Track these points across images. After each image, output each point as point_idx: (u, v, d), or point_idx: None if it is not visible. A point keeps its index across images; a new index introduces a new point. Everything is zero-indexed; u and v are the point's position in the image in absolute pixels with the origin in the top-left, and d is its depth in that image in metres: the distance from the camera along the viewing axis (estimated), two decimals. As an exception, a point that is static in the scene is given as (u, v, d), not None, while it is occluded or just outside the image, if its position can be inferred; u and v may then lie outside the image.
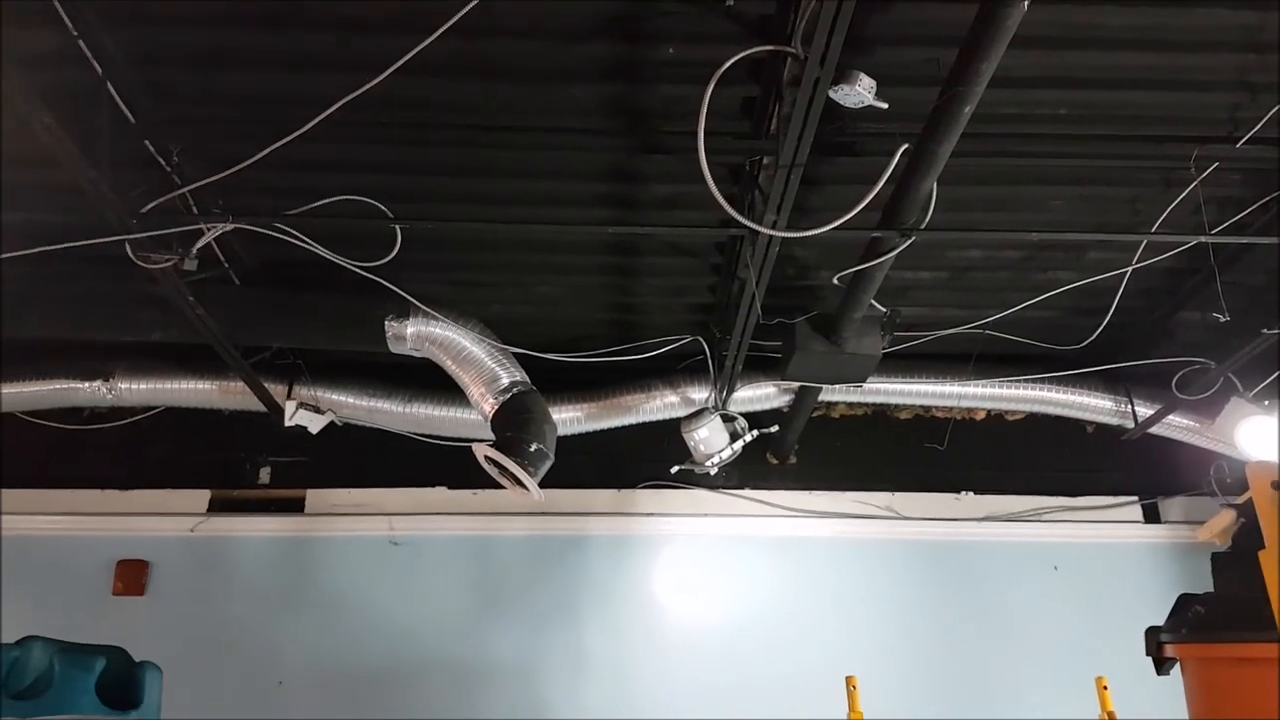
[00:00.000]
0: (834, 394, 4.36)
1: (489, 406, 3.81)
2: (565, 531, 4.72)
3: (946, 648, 4.63)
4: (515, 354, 3.91)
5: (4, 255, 3.19)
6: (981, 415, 5.01)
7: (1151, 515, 4.93)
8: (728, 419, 4.11)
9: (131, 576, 4.50)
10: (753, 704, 4.44)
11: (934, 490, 4.90)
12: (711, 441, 4.04)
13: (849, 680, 3.47)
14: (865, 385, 4.20)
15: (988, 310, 3.94)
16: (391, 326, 3.70)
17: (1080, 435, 4.95)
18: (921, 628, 4.67)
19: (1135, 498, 4.94)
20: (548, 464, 3.66)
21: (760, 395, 4.32)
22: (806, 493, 4.86)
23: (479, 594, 4.65)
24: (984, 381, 4.37)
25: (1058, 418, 4.62)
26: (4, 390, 4.22)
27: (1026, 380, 4.40)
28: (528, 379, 3.92)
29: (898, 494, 4.89)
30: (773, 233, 2.89)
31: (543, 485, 3.61)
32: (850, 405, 4.91)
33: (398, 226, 3.17)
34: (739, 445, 4.10)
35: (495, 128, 2.96)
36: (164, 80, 2.81)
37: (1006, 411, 4.93)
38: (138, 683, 2.67)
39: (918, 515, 4.86)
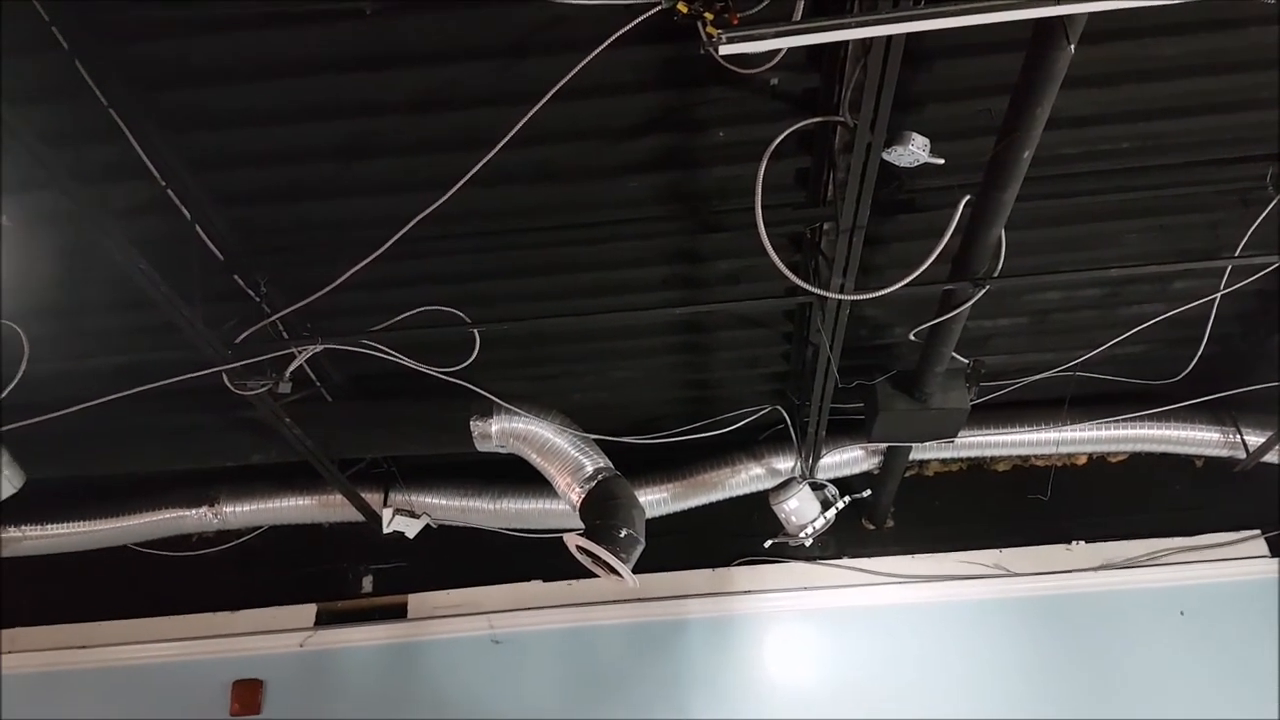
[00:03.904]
0: (925, 451, 4.25)
1: (576, 495, 3.83)
2: (664, 617, 4.65)
3: (1070, 705, 4.37)
4: (597, 441, 3.94)
5: (111, 397, 3.37)
6: (1083, 460, 4.81)
7: (1277, 547, 4.62)
8: (817, 487, 4.04)
9: (247, 696, 4.59)
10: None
11: (1042, 543, 4.67)
12: (803, 512, 3.97)
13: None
14: (957, 440, 4.08)
15: (1075, 351, 3.83)
16: (477, 426, 3.78)
17: (1189, 471, 4.71)
18: (1042, 687, 4.41)
19: (1258, 531, 4.64)
20: (639, 549, 3.64)
21: (848, 460, 4.24)
22: (908, 557, 4.70)
23: (584, 686, 4.59)
24: (1081, 425, 4.22)
25: (1163, 455, 4.41)
26: (117, 523, 4.42)
27: (1126, 419, 4.22)
28: (611, 465, 3.93)
29: (1005, 550, 4.68)
30: (841, 296, 2.89)
31: (636, 570, 3.59)
32: (944, 462, 4.77)
33: (475, 331, 3.27)
34: (832, 513, 4.02)
35: (559, 226, 3.06)
36: (246, 216, 2.99)
37: (1109, 454, 4.72)
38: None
39: (1028, 570, 4.65)
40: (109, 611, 4.80)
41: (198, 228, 2.85)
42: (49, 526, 4.43)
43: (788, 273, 2.68)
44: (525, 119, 2.32)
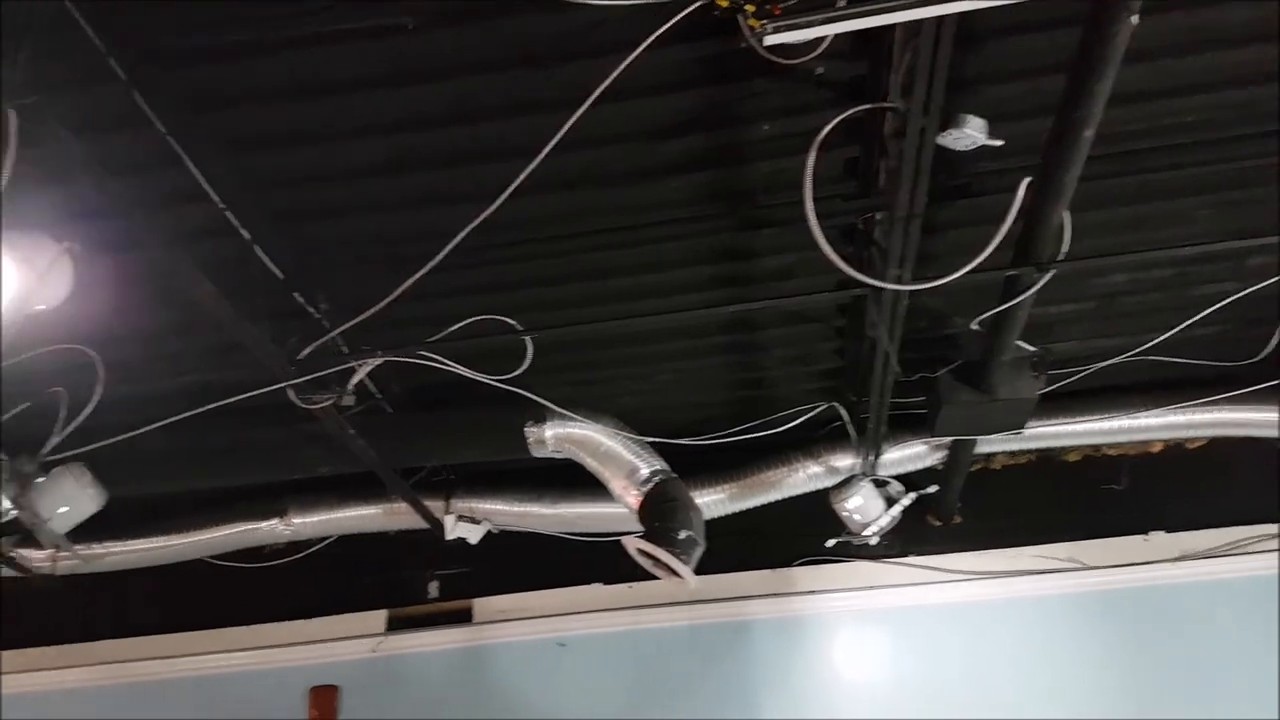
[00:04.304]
0: (992, 444, 4.13)
1: (633, 499, 3.83)
2: (726, 618, 4.62)
3: (1151, 702, 4.23)
4: (651, 444, 3.93)
5: (182, 415, 3.47)
6: (1158, 447, 4.63)
7: (1366, 532, 4.39)
8: (880, 484, 3.96)
9: (324, 702, 4.71)
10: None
11: (1118, 534, 4.52)
12: (866, 510, 3.90)
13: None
14: (1025, 431, 3.97)
15: (1146, 335, 3.68)
16: (531, 432, 3.81)
17: (1271, 454, 4.50)
18: (1120, 684, 4.28)
19: (1347, 512, 4.42)
20: (699, 550, 3.62)
21: (911, 455, 4.14)
22: (977, 553, 4.59)
23: (649, 688, 4.59)
24: (1156, 410, 4.06)
25: (1243, 439, 4.21)
26: (192, 537, 4.55)
27: (1203, 403, 4.04)
28: (667, 467, 3.92)
29: (1078, 543, 4.54)
30: (899, 287, 2.83)
31: (696, 572, 3.57)
32: (1011, 454, 4.63)
33: (528, 338, 3.29)
34: (897, 510, 3.94)
35: (605, 230, 3.06)
36: (302, 234, 3.05)
37: (1186, 440, 4.54)
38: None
39: (1103, 563, 4.50)
40: (189, 623, 4.96)
41: (257, 248, 2.91)
42: (129, 542, 4.58)
43: (842, 265, 2.63)
44: (570, 122, 2.32)
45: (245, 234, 2.81)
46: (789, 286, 3.37)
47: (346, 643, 4.82)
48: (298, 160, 2.77)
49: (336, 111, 2.58)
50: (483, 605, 4.83)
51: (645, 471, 3.82)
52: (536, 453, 3.88)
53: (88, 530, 3.98)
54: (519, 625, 4.75)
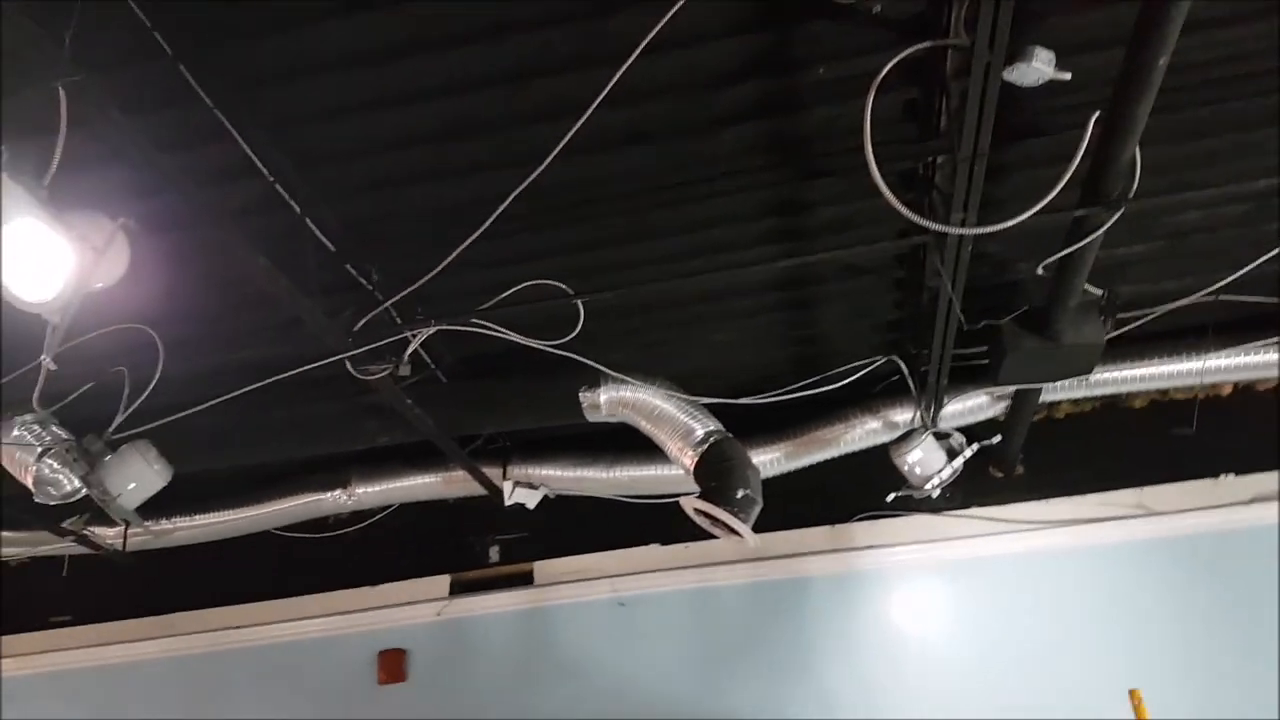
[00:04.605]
0: (1055, 392, 4.02)
1: (689, 460, 3.81)
2: (786, 575, 4.62)
3: (1223, 648, 4.14)
4: (706, 405, 3.90)
5: (242, 390, 3.52)
6: (1228, 390, 4.48)
7: None
8: (941, 437, 3.89)
9: (393, 665, 4.83)
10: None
11: (1187, 478, 4.41)
12: (927, 463, 3.83)
13: (1133, 694, 3.14)
14: (1091, 377, 3.86)
15: (1218, 274, 3.53)
16: (585, 397, 3.79)
17: (1347, 394, 4.34)
18: (1191, 630, 4.20)
19: None
20: (757, 509, 3.60)
21: (972, 406, 4.05)
22: (1041, 502, 4.50)
23: (710, 646, 4.62)
24: (1226, 352, 3.91)
25: (1318, 378, 4.08)
26: (259, 510, 4.65)
27: (1275, 343, 3.90)
28: (722, 427, 3.88)
29: (1146, 488, 4.44)
30: (964, 231, 2.73)
31: (756, 530, 3.55)
32: (1076, 402, 4.51)
33: (579, 302, 3.25)
34: (959, 463, 3.87)
35: (657, 188, 3.00)
36: (352, 206, 3.03)
37: (1256, 381, 4.39)
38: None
39: (1172, 509, 4.39)
40: (260, 594, 5.09)
41: (308, 221, 2.91)
42: (198, 517, 4.70)
43: (905, 210, 2.54)
44: (616, 76, 2.27)
45: (296, 207, 2.80)
46: (846, 238, 3.28)
47: (412, 607, 4.92)
48: (344, 132, 2.74)
49: (380, 81, 2.55)
50: (543, 568, 4.89)
51: (700, 432, 3.78)
52: (591, 417, 3.87)
53: (156, 506, 4.09)
54: (578, 586, 4.80)
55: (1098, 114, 2.38)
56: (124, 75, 2.14)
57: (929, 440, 3.86)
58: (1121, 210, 2.65)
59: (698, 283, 3.51)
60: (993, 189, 2.95)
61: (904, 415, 4.05)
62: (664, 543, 4.75)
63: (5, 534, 4.69)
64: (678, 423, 3.81)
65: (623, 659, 4.66)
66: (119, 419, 3.39)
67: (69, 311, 2.23)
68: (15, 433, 3.35)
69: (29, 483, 3.49)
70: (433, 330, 3.33)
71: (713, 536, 3.69)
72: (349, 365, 3.32)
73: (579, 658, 4.72)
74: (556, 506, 4.59)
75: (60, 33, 1.90)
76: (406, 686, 4.80)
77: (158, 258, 2.70)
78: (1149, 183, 2.69)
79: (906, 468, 3.90)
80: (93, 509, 4.07)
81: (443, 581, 4.96)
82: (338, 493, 4.55)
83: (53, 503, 3.58)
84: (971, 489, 4.49)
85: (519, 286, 3.24)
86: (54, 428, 3.36)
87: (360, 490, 4.55)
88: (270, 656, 5.02)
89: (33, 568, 5.20)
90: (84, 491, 3.53)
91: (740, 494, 3.51)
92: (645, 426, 3.86)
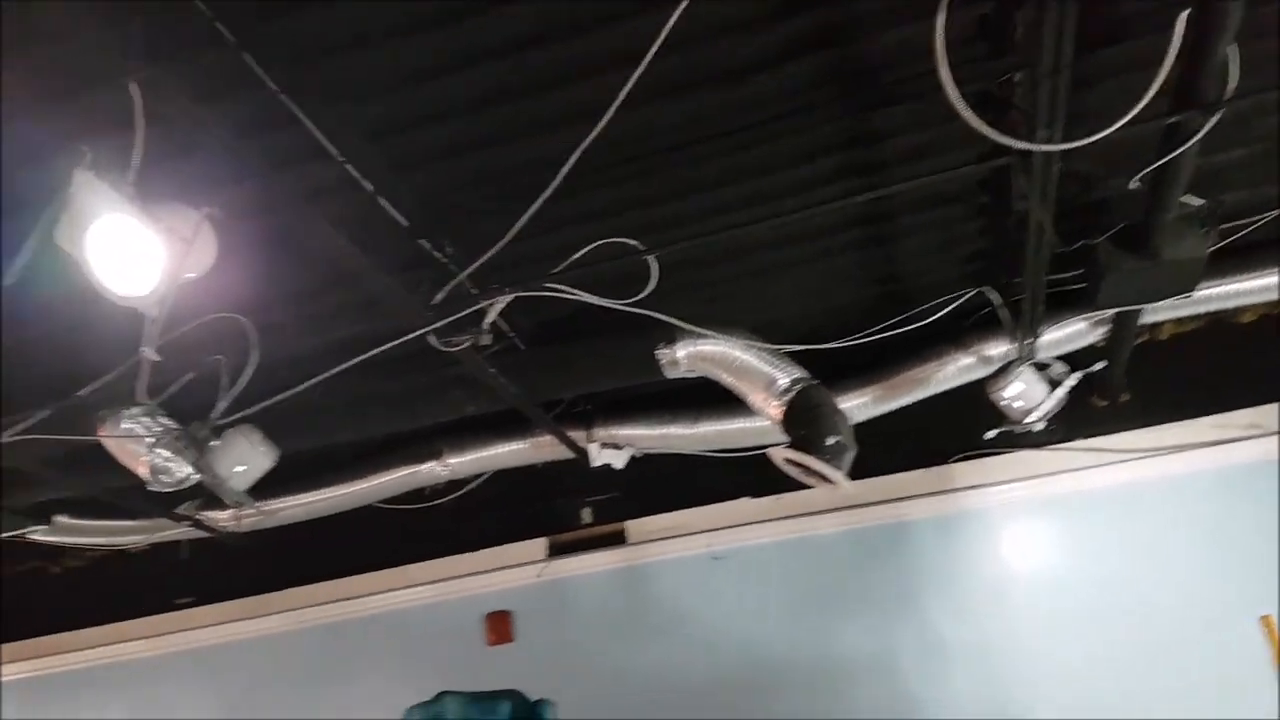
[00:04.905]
0: (1159, 312, 3.82)
1: (774, 410, 3.76)
2: (885, 520, 4.55)
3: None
4: (788, 353, 3.83)
5: (332, 372, 3.61)
6: (1348, 296, 4.18)
7: None
8: (1040, 367, 3.74)
9: (501, 626, 4.99)
10: (1142, 666, 3.98)
11: (1305, 394, 4.16)
12: (1027, 396, 3.70)
13: (1265, 620, 3.00)
14: (1195, 294, 3.65)
15: (1330, 174, 3.29)
16: (663, 354, 3.77)
17: None
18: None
19: None
20: (850, 454, 3.54)
21: (1071, 334, 3.88)
22: (1150, 429, 4.31)
23: (811, 595, 4.61)
24: (1342, 256, 3.65)
25: None
26: (360, 485, 4.80)
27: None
28: (807, 374, 3.82)
29: (1260, 408, 4.20)
30: (1050, 148, 2.59)
31: (850, 476, 3.50)
32: (1179, 321, 4.29)
33: (651, 257, 3.22)
34: (1060, 393, 3.73)
35: (722, 133, 2.92)
36: (419, 180, 3.06)
37: (1377, 286, 4.08)
38: (539, 718, 2.91)
39: (1291, 426, 4.15)
40: (366, 565, 5.28)
41: (380, 199, 2.94)
42: (303, 495, 4.89)
43: (987, 130, 2.42)
44: (673, 19, 2.20)
45: (368, 186, 2.83)
46: (923, 167, 3.16)
47: (512, 571, 5.05)
48: (407, 103, 2.75)
49: (437, 46, 2.54)
50: (636, 526, 4.94)
51: (784, 381, 3.73)
52: (670, 374, 3.85)
53: (264, 487, 4.26)
54: (672, 543, 4.84)
55: (1187, 12, 2.21)
56: (191, 66, 2.18)
57: (1027, 372, 3.72)
58: (1218, 114, 2.47)
59: (771, 227, 3.42)
60: (1077, 102, 2.78)
61: (999, 348, 3.90)
62: (755, 495, 4.74)
63: (126, 523, 4.98)
64: (760, 373, 3.76)
65: (721, 611, 4.70)
66: (221, 405, 3.52)
67: (166, 304, 2.31)
68: (125, 425, 3.51)
69: (143, 472, 3.66)
70: (508, 298, 3.35)
71: (806, 486, 3.65)
72: (432, 339, 3.38)
73: (677, 612, 4.78)
74: (645, 465, 4.60)
75: (128, 30, 1.94)
76: (514, 647, 4.94)
77: (243, 245, 2.77)
78: (1246, 82, 2.50)
79: (1005, 402, 3.77)
80: (205, 494, 4.27)
81: (540, 544, 5.07)
82: (432, 464, 4.67)
83: (167, 490, 3.75)
84: (1075, 420, 4.32)
85: (590, 247, 3.22)
86: (161, 418, 3.51)
87: (453, 460, 4.65)
88: (383, 624, 5.23)
89: (154, 553, 5.50)
90: (196, 477, 3.68)
91: (831, 441, 3.45)
92: (726, 379, 3.82)
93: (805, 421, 3.59)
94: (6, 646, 5.74)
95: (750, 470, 4.30)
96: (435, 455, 4.68)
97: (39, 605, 5.75)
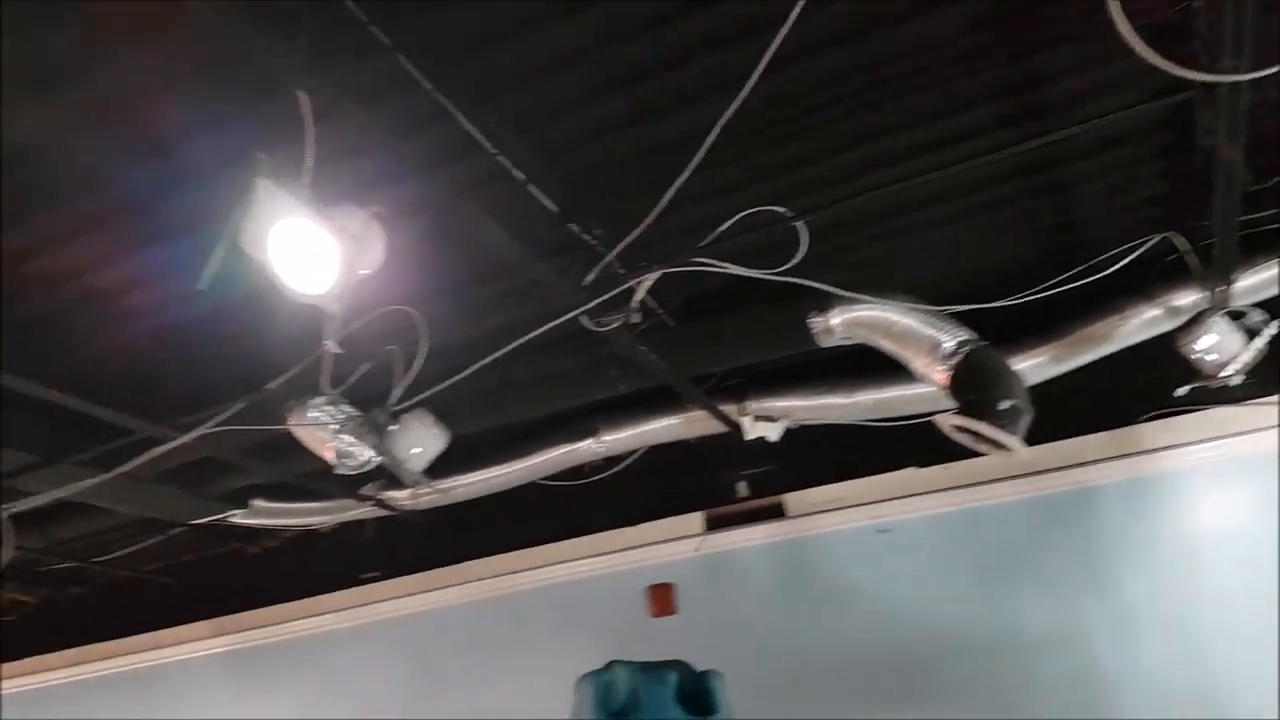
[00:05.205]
0: (1371, 251, 3.40)
1: (939, 375, 3.60)
2: (1067, 486, 4.31)
3: None
4: (951, 314, 3.65)
5: (494, 356, 3.74)
6: None
7: None
8: (1235, 316, 3.41)
9: (663, 597, 5.06)
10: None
11: None
12: (1222, 347, 3.38)
13: None
14: None
15: None
16: (817, 322, 3.68)
17: None
18: None
19: None
20: (1025, 418, 3.35)
21: (1268, 279, 3.48)
22: (1365, 379, 3.87)
23: (987, 567, 4.43)
24: None
25: None
26: (523, 464, 4.97)
27: None
28: (974, 335, 3.63)
29: None
30: (1238, 78, 2.34)
31: (1027, 441, 3.31)
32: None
33: (800, 224, 3.15)
34: (1260, 343, 3.38)
35: (871, 86, 2.81)
36: (563, 165, 3.10)
37: None
38: (707, 690, 2.94)
39: None
40: (533, 540, 5.48)
41: (531, 187, 3.01)
42: (473, 474, 5.10)
43: (1164, 64, 2.21)
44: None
45: (519, 175, 2.90)
46: (1094, 108, 2.92)
47: (671, 545, 5.12)
48: (547, 92, 2.79)
49: (573, 30, 2.56)
50: (795, 499, 4.89)
51: (949, 344, 3.56)
52: (824, 343, 3.75)
53: (438, 467, 4.48)
54: (834, 515, 4.77)
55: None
56: (350, 70, 2.29)
57: (1221, 322, 3.39)
58: None
59: (927, 183, 3.27)
60: (1264, 25, 2.50)
61: (1188, 298, 3.57)
62: (922, 464, 4.58)
63: (315, 504, 5.36)
64: (922, 337, 3.60)
65: (890, 585, 4.59)
66: (396, 393, 3.71)
67: (344, 300, 2.45)
68: (311, 414, 3.77)
69: (330, 457, 3.92)
70: (656, 275, 3.36)
71: (978, 454, 3.49)
72: (584, 320, 3.44)
73: (844, 585, 4.70)
74: (801, 437, 4.52)
75: (294, 40, 2.06)
76: (678, 619, 5.01)
77: (407, 240, 2.90)
78: None
79: (1197, 356, 3.46)
80: (385, 475, 4.54)
81: (697, 518, 5.10)
82: (589, 441, 4.77)
83: (351, 473, 4.01)
84: (1276, 372, 3.93)
85: (735, 218, 3.18)
86: (343, 406, 3.75)
87: (609, 437, 4.74)
88: (551, 596, 5.43)
89: (341, 532, 5.90)
90: (377, 460, 3.92)
91: (1003, 405, 3.28)
92: (886, 345, 3.69)
93: (975, 386, 3.42)
94: (212, 622, 6.35)
95: (915, 439, 4.14)
96: (592, 433, 4.77)
97: (240, 583, 6.31)
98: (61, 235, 3.14)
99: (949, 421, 3.38)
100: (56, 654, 6.78)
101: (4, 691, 6.87)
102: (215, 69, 2.36)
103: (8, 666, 6.88)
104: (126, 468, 4.13)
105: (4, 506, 4.42)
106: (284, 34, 2.06)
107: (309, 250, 2.35)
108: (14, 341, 3.57)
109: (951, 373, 3.54)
